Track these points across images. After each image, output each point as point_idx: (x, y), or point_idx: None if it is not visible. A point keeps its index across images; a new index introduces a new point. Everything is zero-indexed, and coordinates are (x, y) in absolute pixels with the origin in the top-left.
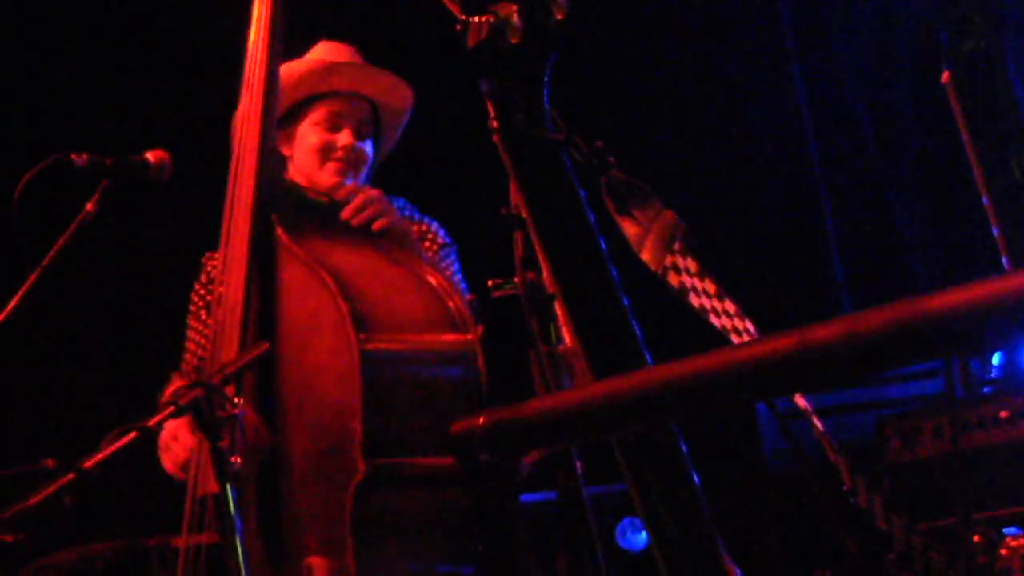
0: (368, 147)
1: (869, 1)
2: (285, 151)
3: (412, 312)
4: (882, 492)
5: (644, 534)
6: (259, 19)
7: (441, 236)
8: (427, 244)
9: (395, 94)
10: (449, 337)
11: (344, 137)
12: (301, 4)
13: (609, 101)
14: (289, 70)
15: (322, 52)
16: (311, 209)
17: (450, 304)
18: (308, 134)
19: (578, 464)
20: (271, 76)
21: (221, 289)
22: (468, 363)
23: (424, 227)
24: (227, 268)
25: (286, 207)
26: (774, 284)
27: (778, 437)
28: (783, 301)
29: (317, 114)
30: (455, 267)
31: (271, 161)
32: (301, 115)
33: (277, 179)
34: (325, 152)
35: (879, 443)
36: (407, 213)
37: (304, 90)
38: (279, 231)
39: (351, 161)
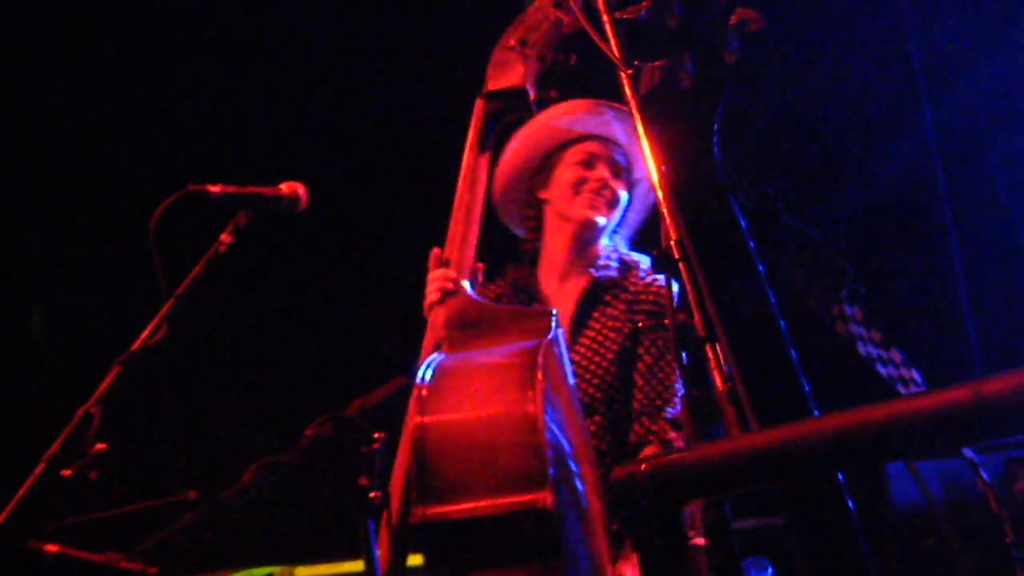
0: (622, 189)
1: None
2: (543, 195)
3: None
4: None
5: (769, 573)
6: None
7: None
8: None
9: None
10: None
11: (597, 172)
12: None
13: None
14: (547, 116)
15: (580, 104)
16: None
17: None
18: (564, 172)
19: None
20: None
21: None
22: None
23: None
24: None
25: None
26: (903, 326)
27: (906, 481)
28: (912, 345)
29: (573, 154)
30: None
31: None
32: (558, 158)
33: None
34: (578, 186)
35: (1007, 484)
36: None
37: (560, 135)
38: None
39: (604, 196)
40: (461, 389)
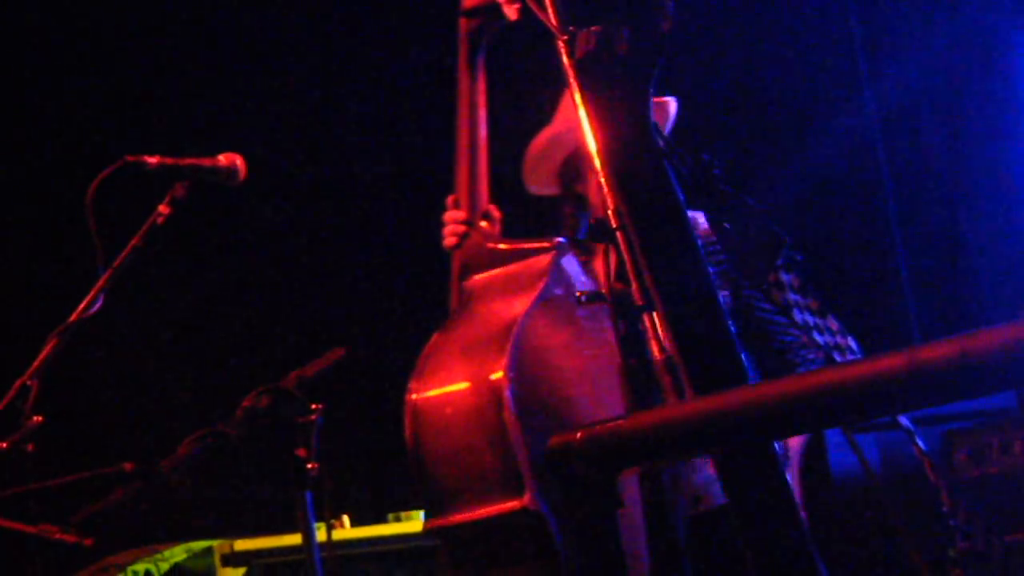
0: None
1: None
2: (580, 189)
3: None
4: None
5: None
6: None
7: None
8: None
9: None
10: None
11: None
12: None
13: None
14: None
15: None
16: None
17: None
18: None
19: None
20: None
21: None
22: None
23: None
24: None
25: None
26: (839, 293)
27: (843, 449)
28: (847, 309)
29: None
30: None
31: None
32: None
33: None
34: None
35: (946, 457)
36: None
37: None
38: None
39: None
40: (442, 379)
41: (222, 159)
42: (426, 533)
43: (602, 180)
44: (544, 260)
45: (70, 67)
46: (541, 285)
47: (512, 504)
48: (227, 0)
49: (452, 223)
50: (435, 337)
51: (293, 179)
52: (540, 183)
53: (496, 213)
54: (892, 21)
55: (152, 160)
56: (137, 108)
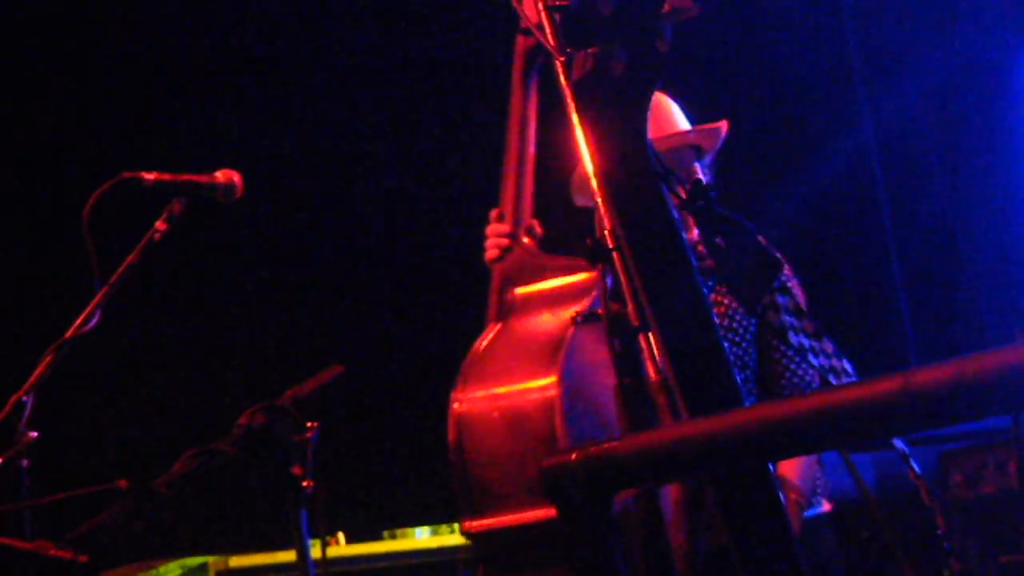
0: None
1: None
2: None
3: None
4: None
5: None
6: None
7: None
8: None
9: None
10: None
11: None
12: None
13: None
14: None
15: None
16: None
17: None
18: None
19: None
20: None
21: None
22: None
23: None
24: None
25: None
26: (836, 315)
27: (839, 469)
28: (844, 331)
29: None
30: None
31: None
32: None
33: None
34: None
35: (941, 478)
36: None
37: None
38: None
39: None
40: (488, 386)
41: (219, 176)
42: (463, 535)
43: (598, 201)
44: (591, 275)
45: (67, 83)
46: (589, 300)
47: (555, 511)
48: (238, 10)
49: (495, 236)
50: (476, 348)
51: (298, 193)
52: (589, 196)
53: (539, 229)
54: (890, 45)
55: (149, 176)
56: (136, 123)
